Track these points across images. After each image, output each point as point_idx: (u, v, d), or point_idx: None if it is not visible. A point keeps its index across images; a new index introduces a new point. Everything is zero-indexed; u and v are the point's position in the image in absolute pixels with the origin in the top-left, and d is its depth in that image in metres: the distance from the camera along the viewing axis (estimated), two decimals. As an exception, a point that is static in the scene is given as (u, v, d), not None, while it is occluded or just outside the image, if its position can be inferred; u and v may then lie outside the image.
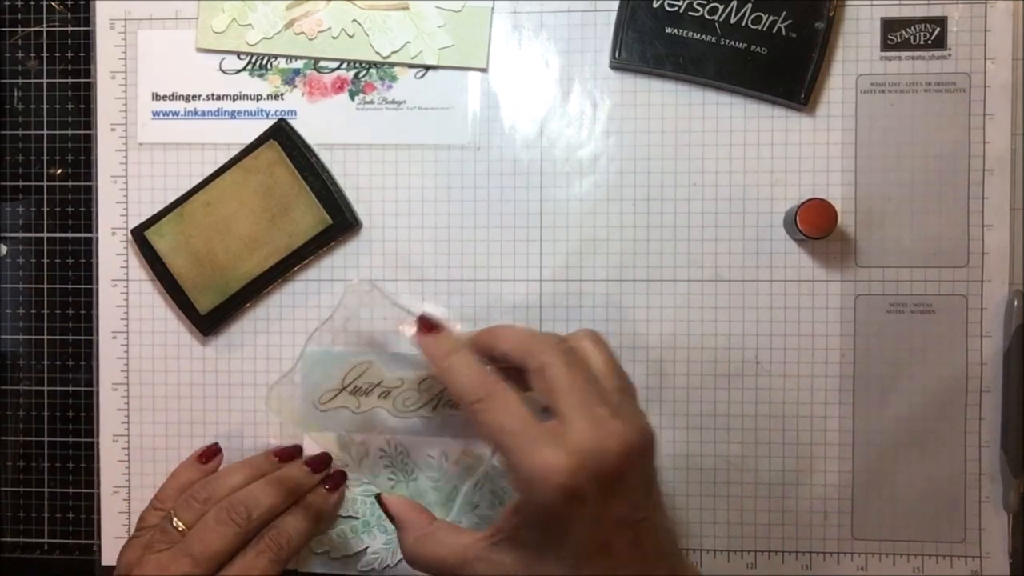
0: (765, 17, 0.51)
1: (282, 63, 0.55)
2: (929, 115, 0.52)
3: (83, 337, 0.56)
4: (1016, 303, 0.51)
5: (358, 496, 0.53)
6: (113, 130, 0.56)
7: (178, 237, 0.54)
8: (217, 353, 0.55)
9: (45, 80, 0.56)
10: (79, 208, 0.56)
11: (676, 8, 0.51)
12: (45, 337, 0.57)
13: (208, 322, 0.54)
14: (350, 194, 0.54)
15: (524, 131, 0.54)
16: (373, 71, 0.54)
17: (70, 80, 0.56)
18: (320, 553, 0.53)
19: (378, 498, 0.46)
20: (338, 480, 0.52)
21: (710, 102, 0.53)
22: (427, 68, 0.54)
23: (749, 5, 0.51)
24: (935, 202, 0.52)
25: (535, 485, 0.36)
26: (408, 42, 0.54)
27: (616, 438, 0.37)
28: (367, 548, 0.53)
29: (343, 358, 0.53)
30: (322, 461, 0.51)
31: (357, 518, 0.53)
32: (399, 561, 0.53)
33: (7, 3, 0.56)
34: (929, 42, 0.52)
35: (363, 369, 0.52)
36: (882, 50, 0.52)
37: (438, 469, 0.53)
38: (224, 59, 0.55)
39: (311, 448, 0.53)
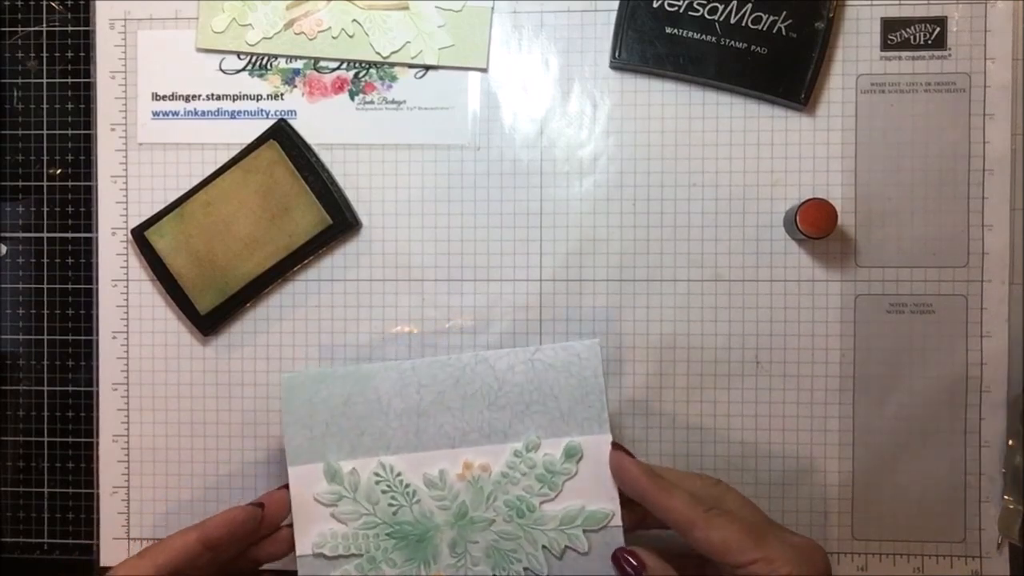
0: (765, 17, 0.51)
1: (282, 63, 0.55)
2: (929, 115, 0.52)
3: (83, 337, 0.56)
4: None
5: (359, 531, 0.47)
6: (113, 130, 0.56)
7: (178, 237, 0.54)
8: (217, 353, 0.55)
9: (45, 80, 0.56)
10: (79, 208, 0.56)
11: (676, 8, 0.51)
12: (45, 337, 0.57)
13: (208, 322, 0.54)
14: (350, 194, 0.54)
15: (524, 131, 0.54)
16: (373, 71, 0.54)
17: (70, 80, 0.56)
18: None
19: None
20: None
21: (710, 102, 0.53)
22: (427, 68, 0.54)
23: (749, 5, 0.51)
24: (935, 202, 0.52)
25: None
26: (408, 42, 0.54)
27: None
28: None
29: (323, 378, 0.48)
30: None
31: (361, 555, 0.47)
32: None
33: (7, 3, 0.56)
34: (929, 42, 0.52)
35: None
36: (882, 50, 0.52)
37: (441, 487, 0.47)
38: (224, 59, 0.55)
39: (297, 481, 0.47)
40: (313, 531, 0.47)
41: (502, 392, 0.48)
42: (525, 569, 0.47)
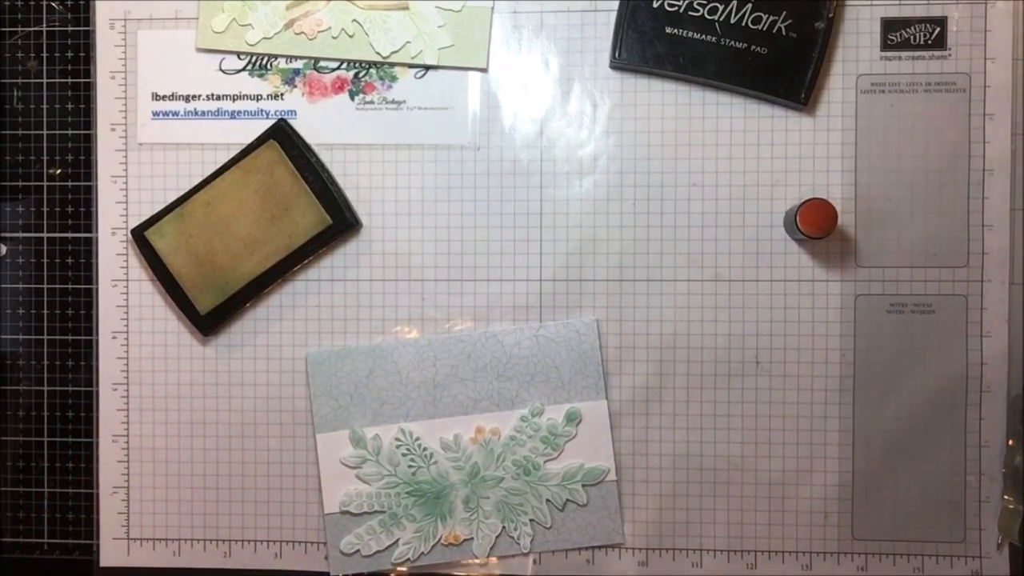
0: (765, 17, 0.51)
1: (282, 63, 0.55)
2: (929, 115, 0.52)
3: (83, 337, 0.56)
4: None
5: (382, 490, 0.53)
6: (113, 130, 0.56)
7: (178, 237, 0.54)
8: (217, 353, 0.55)
9: (45, 80, 0.56)
10: (79, 208, 0.56)
11: (676, 8, 0.51)
12: (45, 337, 0.57)
13: (208, 322, 0.54)
14: (350, 194, 0.54)
15: (524, 131, 0.54)
16: (373, 71, 0.54)
17: (70, 80, 0.56)
18: (351, 554, 0.53)
19: None
20: None
21: (710, 102, 0.53)
22: (427, 68, 0.54)
23: (749, 5, 0.51)
24: (935, 202, 0.52)
25: None
26: (408, 42, 0.54)
27: None
28: (398, 540, 0.53)
29: (346, 354, 0.53)
30: None
31: (384, 512, 0.53)
32: (432, 547, 0.53)
33: (7, 3, 0.56)
34: (929, 42, 0.52)
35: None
36: (882, 50, 0.52)
37: (456, 449, 0.53)
38: (224, 59, 0.55)
39: (325, 447, 0.53)
40: (340, 491, 0.53)
41: (510, 364, 0.53)
42: (531, 520, 0.53)
